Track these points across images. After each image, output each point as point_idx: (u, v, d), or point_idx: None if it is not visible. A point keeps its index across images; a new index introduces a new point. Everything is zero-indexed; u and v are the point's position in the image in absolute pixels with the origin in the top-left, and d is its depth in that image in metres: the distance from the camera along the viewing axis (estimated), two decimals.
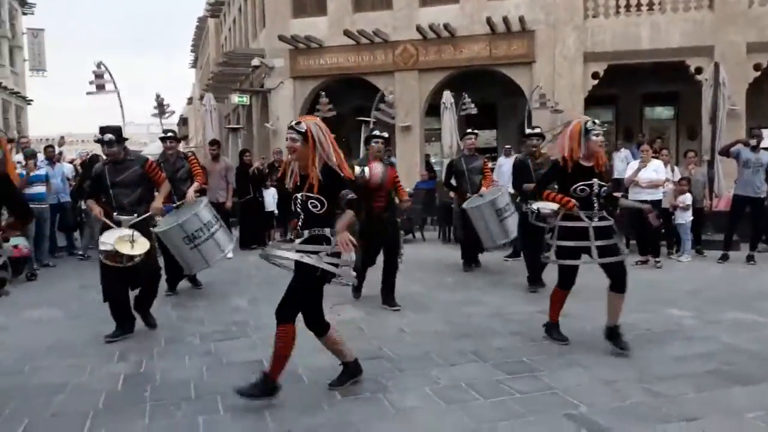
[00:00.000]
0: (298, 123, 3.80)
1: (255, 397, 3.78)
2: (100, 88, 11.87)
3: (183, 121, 48.67)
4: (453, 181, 8.55)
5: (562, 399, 3.85)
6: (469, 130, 8.64)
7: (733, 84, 12.49)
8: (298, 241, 3.88)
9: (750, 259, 8.88)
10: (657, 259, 8.78)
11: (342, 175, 3.82)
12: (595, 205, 4.82)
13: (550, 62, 15.69)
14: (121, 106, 14.06)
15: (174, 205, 6.61)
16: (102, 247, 5.10)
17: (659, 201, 8.93)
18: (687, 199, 9.13)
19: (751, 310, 6.02)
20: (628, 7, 15.29)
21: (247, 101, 19.95)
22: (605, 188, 4.87)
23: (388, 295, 6.45)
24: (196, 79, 46.94)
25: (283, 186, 4.04)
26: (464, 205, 7.85)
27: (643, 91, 17.44)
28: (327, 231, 3.81)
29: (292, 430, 3.49)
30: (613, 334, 4.82)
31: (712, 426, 3.45)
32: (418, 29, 16.10)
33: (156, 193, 5.69)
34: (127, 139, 5.56)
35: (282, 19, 17.79)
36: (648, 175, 8.86)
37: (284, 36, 17.06)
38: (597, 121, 4.95)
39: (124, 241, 5.06)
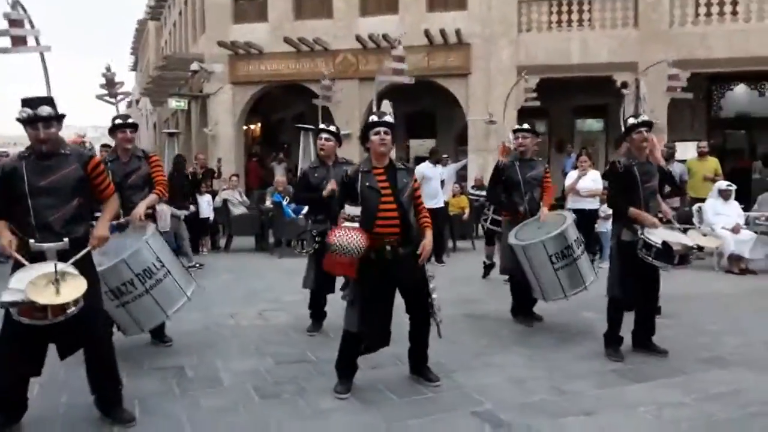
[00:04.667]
0: None
1: None
2: (19, 41, 7.08)
3: None
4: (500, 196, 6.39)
5: (471, 397, 4.05)
6: (520, 126, 6.33)
7: (655, 99, 13.13)
8: None
9: None
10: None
11: None
12: None
13: (485, 74, 16.13)
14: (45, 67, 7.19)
15: (115, 222, 4.52)
16: (5, 298, 3.21)
17: (596, 210, 9.31)
18: (608, 208, 9.56)
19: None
20: (559, 23, 15.88)
21: (186, 106, 19.70)
22: None
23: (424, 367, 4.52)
24: (136, 82, 45.96)
25: None
26: (510, 238, 5.82)
27: (574, 104, 18.11)
28: None
29: None
30: None
31: (606, 419, 3.72)
32: (358, 39, 16.28)
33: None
34: (64, 116, 3.62)
35: (222, 24, 17.68)
36: (587, 185, 9.20)
37: (224, 41, 16.97)
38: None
39: (42, 283, 3.22)
